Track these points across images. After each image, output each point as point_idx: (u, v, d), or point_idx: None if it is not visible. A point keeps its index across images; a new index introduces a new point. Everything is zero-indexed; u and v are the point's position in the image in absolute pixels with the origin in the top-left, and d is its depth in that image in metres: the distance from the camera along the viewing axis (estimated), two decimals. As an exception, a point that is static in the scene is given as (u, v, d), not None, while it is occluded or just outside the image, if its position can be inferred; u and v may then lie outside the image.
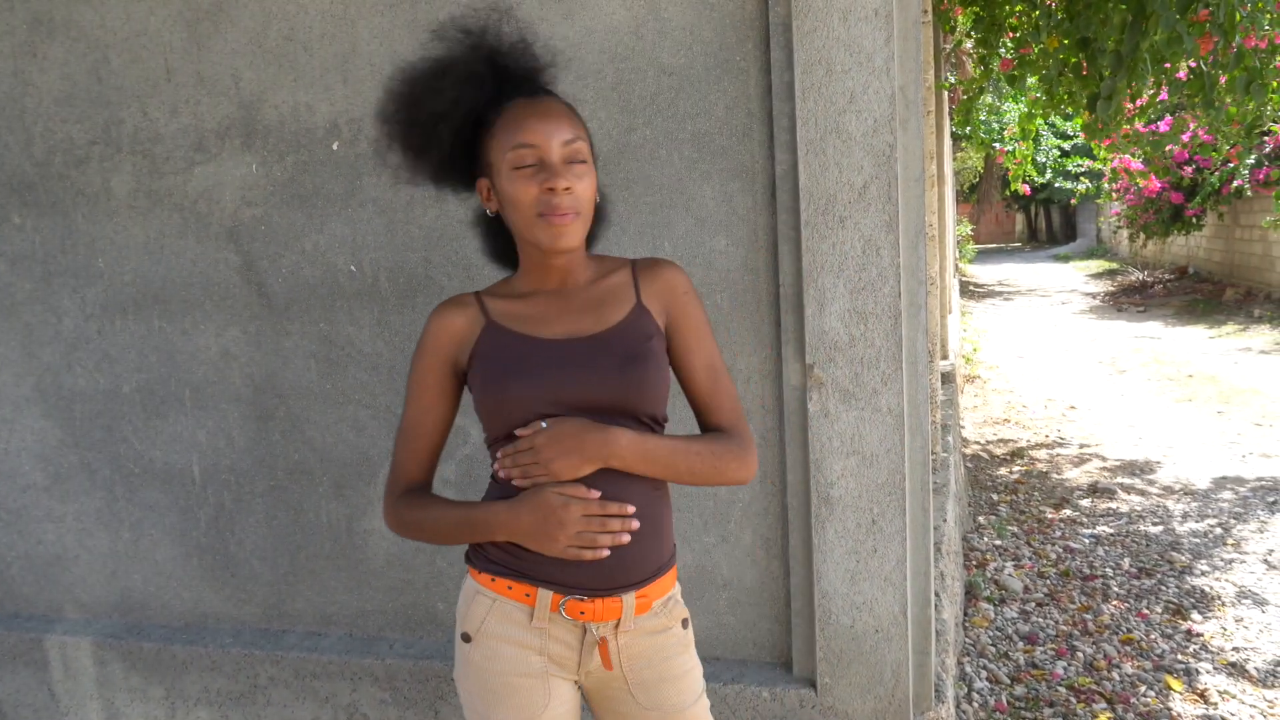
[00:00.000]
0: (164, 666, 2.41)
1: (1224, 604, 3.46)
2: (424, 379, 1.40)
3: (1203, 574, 3.74)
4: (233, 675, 2.37)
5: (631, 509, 1.31)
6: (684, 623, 1.45)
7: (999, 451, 5.75)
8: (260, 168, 2.22)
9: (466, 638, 1.38)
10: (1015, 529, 4.36)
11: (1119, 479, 5.06)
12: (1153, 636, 3.22)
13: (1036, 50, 4.31)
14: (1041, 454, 5.65)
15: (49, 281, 2.41)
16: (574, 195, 1.30)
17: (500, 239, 1.46)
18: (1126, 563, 3.89)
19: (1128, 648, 3.15)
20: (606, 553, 1.30)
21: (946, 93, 5.94)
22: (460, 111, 1.33)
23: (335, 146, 2.16)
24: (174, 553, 2.45)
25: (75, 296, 2.40)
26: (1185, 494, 4.74)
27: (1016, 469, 5.36)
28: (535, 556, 1.33)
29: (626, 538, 1.31)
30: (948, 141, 6.97)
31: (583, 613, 1.34)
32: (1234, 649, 3.11)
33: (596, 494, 1.30)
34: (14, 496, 2.55)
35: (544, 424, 1.30)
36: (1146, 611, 3.43)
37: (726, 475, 1.39)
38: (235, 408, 2.34)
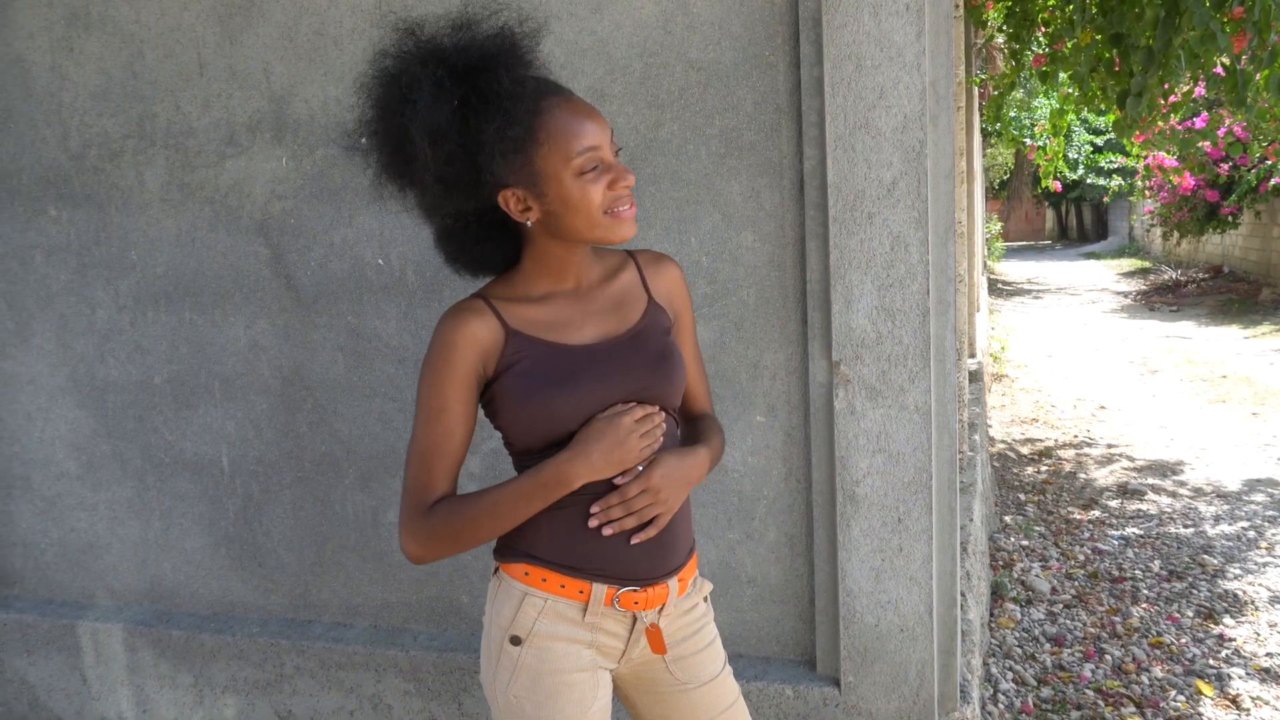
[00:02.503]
0: (192, 654, 2.45)
1: (1257, 608, 3.41)
2: (450, 394, 1.29)
3: (1235, 577, 3.68)
4: (260, 664, 2.40)
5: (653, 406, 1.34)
6: (705, 598, 1.49)
7: (1026, 451, 5.69)
8: (290, 162, 2.24)
9: (516, 641, 1.34)
10: (1042, 529, 4.32)
11: (1149, 480, 4.99)
12: (1183, 640, 3.18)
13: (1069, 46, 4.25)
14: (1070, 454, 5.58)
15: (83, 273, 2.45)
16: None
17: (477, 247, 1.36)
18: (1156, 565, 3.84)
19: (1157, 651, 3.11)
20: (661, 440, 1.33)
21: (977, 88, 5.88)
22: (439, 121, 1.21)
23: (364, 141, 2.17)
24: (203, 542, 2.48)
25: (109, 288, 2.43)
26: (1217, 496, 4.66)
27: (1044, 469, 5.30)
28: (586, 552, 1.33)
29: (662, 417, 1.33)
30: (977, 137, 6.90)
31: (637, 602, 1.35)
32: (1267, 654, 3.06)
33: (619, 405, 1.31)
34: (49, 485, 2.59)
35: (639, 467, 1.31)
36: (1177, 615, 3.38)
37: None
38: (264, 399, 2.37)
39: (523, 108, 1.23)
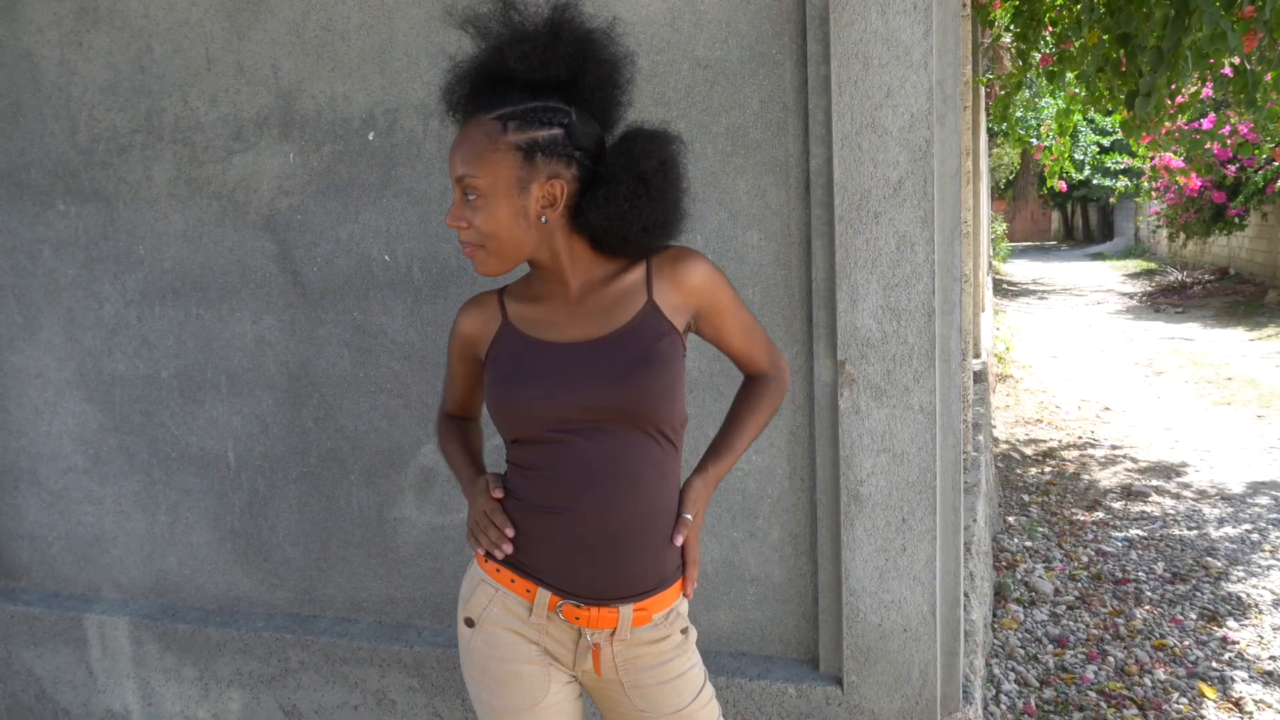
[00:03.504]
0: (198, 648, 2.46)
1: (1260, 611, 3.40)
2: (451, 360, 1.51)
3: (1238, 580, 3.68)
4: (264, 658, 2.41)
5: (511, 532, 1.36)
6: (684, 630, 1.43)
7: (1030, 452, 5.69)
8: (297, 157, 2.25)
9: (470, 623, 1.40)
10: (1046, 530, 4.31)
11: (1153, 482, 4.98)
12: (1186, 643, 3.18)
13: (1076, 46, 4.24)
14: (1073, 455, 5.58)
15: (91, 268, 2.46)
16: (472, 230, 1.30)
17: None
18: (1160, 567, 3.84)
19: (1160, 653, 3.11)
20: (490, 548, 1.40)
21: (983, 88, 5.87)
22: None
23: (371, 137, 2.18)
24: (209, 536, 2.49)
25: (116, 283, 2.44)
26: (1221, 498, 4.66)
27: (1048, 469, 5.30)
28: (532, 556, 1.36)
29: (498, 554, 1.37)
30: (984, 137, 6.88)
31: (578, 618, 1.35)
32: (1270, 657, 3.06)
33: (498, 495, 1.39)
34: (55, 478, 2.60)
35: (688, 516, 1.40)
36: (1180, 617, 3.38)
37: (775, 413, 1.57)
38: (270, 395, 2.37)
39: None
